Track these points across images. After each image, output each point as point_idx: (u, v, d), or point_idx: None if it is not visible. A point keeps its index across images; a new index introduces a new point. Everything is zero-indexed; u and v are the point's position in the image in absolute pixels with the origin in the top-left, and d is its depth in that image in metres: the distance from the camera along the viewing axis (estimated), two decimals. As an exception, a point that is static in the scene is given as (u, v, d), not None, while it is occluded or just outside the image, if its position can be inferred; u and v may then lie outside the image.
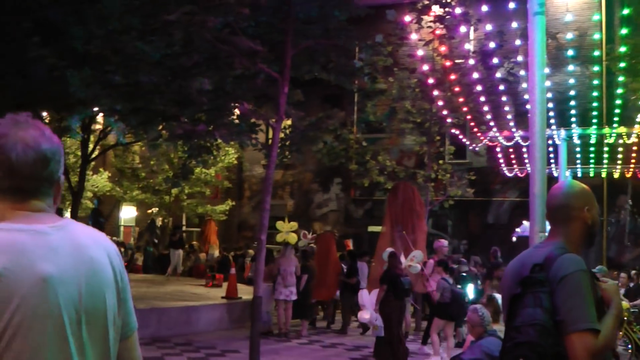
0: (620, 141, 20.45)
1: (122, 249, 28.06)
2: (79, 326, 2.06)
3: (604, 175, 24.59)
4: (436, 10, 18.32)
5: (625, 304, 12.74)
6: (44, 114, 23.10)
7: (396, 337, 13.05)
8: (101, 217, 21.22)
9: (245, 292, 17.70)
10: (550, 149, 19.37)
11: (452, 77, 18.10)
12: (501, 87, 17.69)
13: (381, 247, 17.19)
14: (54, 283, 2.00)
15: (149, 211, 32.73)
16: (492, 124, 20.13)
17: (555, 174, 21.91)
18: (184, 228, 34.98)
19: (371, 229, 25.70)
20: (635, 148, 21.31)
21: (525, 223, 21.96)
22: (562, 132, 19.59)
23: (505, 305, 3.26)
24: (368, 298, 14.45)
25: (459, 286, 13.97)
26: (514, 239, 24.30)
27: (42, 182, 2.15)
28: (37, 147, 2.12)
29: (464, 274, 16.21)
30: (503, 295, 3.40)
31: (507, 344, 3.05)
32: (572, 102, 18.82)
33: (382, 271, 14.13)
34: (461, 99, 18.77)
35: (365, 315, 13.98)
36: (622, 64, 20.05)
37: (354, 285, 17.33)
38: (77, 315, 2.06)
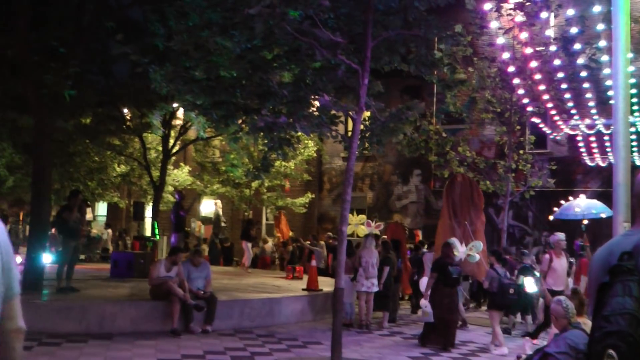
0: None
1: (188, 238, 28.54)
2: None
3: (688, 163, 23.96)
4: (516, -4, 18.07)
5: None
6: (125, 110, 23.56)
7: (445, 322, 13.74)
8: (182, 210, 21.30)
9: (325, 284, 17.78)
10: (633, 137, 18.97)
11: (533, 64, 17.82)
12: (583, 74, 17.39)
13: (440, 238, 17.89)
14: None
15: (215, 202, 33.06)
16: (573, 112, 19.81)
17: (638, 163, 21.47)
18: (264, 221, 35.33)
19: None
20: None
21: (565, 204, 21.48)
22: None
23: (593, 294, 3.16)
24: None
25: (511, 277, 14.34)
26: (551, 217, 23.81)
27: None
28: None
29: (526, 265, 16.45)
30: (591, 284, 3.32)
31: (595, 333, 2.96)
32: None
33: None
34: (542, 87, 18.49)
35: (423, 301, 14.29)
36: None
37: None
38: None
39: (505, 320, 16.63)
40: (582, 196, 22.35)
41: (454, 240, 16.43)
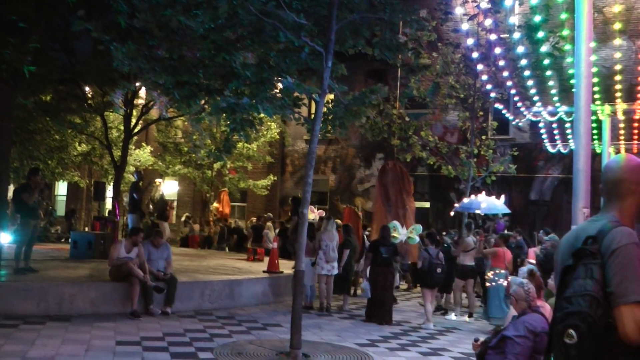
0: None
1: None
2: None
3: (648, 151, 24.25)
4: (482, -17, 18.11)
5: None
6: (87, 88, 23.32)
7: (380, 299, 14.86)
8: (136, 191, 20.51)
9: (286, 267, 17.78)
10: (594, 124, 19.17)
11: (497, 51, 17.91)
12: (546, 62, 17.50)
13: (376, 222, 19.58)
14: None
15: (156, 182, 32.92)
16: (536, 99, 19.96)
17: (598, 151, 21.71)
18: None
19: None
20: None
21: (466, 200, 21.84)
22: (607, 108, 19.38)
23: (558, 277, 3.28)
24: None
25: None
26: (452, 213, 24.15)
27: None
28: None
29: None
30: (556, 267, 3.42)
31: (557, 313, 3.09)
32: (618, 77, 18.57)
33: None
34: (505, 74, 18.60)
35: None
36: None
37: None
38: None
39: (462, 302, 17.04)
40: (483, 193, 22.67)
41: (396, 224, 17.66)
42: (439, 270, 14.78)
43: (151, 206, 23.26)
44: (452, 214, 23.54)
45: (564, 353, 2.96)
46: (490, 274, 15.08)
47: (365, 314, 15.28)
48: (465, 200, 21.08)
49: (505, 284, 14.11)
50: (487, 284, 15.19)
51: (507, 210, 20.08)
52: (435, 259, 14.87)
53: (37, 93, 20.36)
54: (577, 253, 3.10)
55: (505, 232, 20.30)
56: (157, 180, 29.28)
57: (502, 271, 14.73)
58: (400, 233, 17.68)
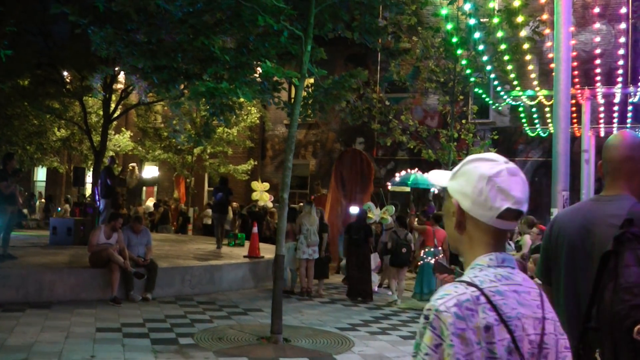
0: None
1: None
2: None
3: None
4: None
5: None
6: (65, 73, 23.15)
7: (355, 278, 16.18)
8: (109, 177, 19.06)
9: (267, 251, 17.77)
10: (573, 108, 19.22)
11: (477, 35, 17.90)
12: (526, 46, 17.52)
13: (331, 205, 20.94)
14: None
15: (130, 166, 32.80)
16: (516, 83, 19.99)
17: (577, 134, 21.78)
18: (205, 187, 35.28)
19: (392, 188, 25.71)
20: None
21: (397, 178, 21.95)
22: (586, 92, 19.43)
23: (572, 266, 3.20)
24: None
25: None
26: (390, 187, 24.28)
27: None
28: None
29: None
30: (558, 249, 3.31)
31: (617, 306, 2.72)
32: (597, 61, 18.61)
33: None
34: (485, 58, 18.61)
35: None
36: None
37: None
38: None
39: None
40: (416, 169, 22.65)
41: (370, 204, 18.80)
42: (403, 250, 15.63)
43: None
44: (389, 188, 23.74)
45: (635, 351, 2.65)
46: (420, 253, 15.47)
47: (347, 292, 16.31)
48: (397, 178, 21.45)
49: (432, 261, 14.58)
50: (419, 262, 15.73)
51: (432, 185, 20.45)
52: (403, 240, 15.73)
53: (15, 77, 20.21)
54: (619, 238, 2.81)
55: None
56: (131, 165, 29.18)
57: (431, 249, 15.13)
58: (375, 214, 18.52)
